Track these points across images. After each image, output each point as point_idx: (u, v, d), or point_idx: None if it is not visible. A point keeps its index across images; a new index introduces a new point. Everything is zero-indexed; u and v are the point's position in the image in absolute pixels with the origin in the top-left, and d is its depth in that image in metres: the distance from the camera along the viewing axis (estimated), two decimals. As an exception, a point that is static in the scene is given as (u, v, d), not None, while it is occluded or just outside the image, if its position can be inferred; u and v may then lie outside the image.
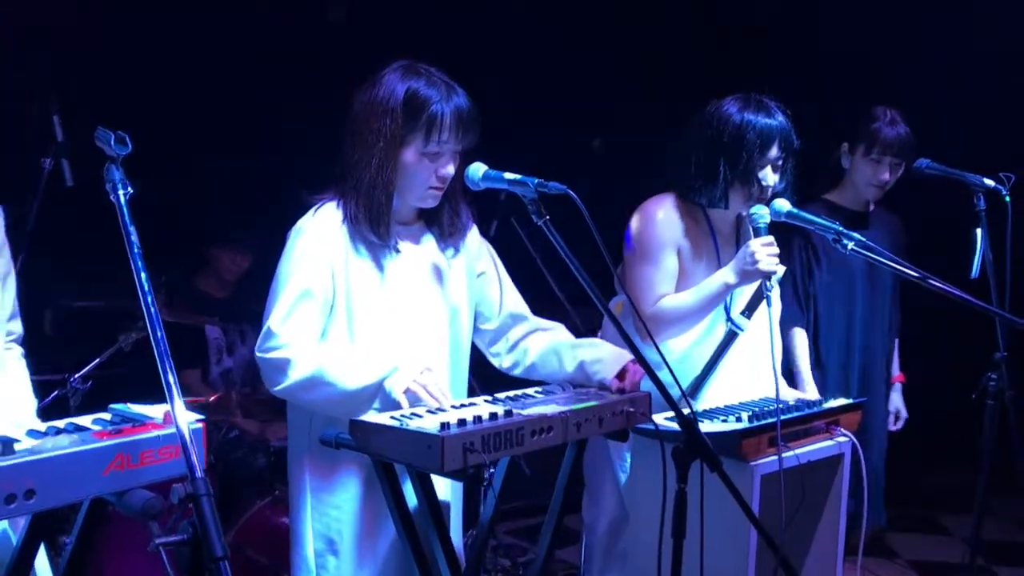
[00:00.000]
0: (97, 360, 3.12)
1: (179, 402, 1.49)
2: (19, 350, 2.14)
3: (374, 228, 2.25)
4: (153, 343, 1.53)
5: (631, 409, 2.24)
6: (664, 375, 2.12)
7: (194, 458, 1.42)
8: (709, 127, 2.72)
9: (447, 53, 2.41)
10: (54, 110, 2.85)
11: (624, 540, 2.84)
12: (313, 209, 2.29)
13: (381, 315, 2.28)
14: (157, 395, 3.88)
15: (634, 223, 2.80)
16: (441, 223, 2.39)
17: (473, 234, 2.48)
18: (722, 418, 2.50)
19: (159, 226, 4.17)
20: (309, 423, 2.28)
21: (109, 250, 4.09)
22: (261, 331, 2.20)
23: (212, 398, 3.55)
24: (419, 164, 2.25)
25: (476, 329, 2.51)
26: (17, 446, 1.53)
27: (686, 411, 2.09)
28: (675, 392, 2.11)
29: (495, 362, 2.55)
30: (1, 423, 1.85)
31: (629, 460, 2.80)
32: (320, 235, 2.25)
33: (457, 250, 2.42)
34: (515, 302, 2.53)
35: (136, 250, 1.60)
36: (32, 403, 2.08)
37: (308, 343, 2.20)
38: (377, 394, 2.15)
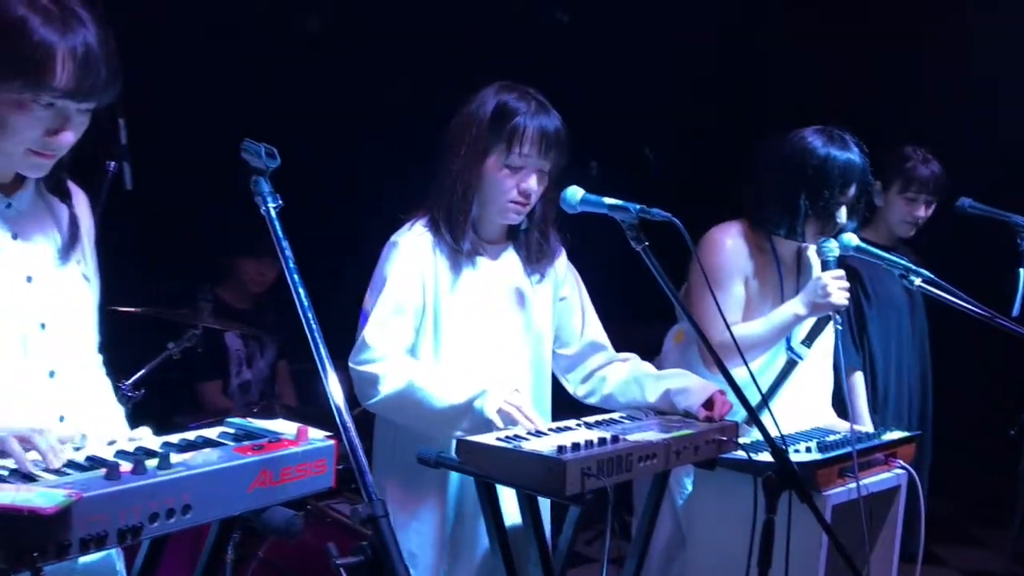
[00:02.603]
0: (147, 367, 3.07)
1: (348, 419, 1.47)
2: (101, 357, 2.11)
3: (452, 233, 2.29)
4: (317, 360, 1.51)
5: (722, 438, 2.27)
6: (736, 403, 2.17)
7: (369, 478, 1.41)
8: (791, 159, 2.76)
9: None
10: (120, 113, 2.80)
11: (679, 564, 2.86)
12: (408, 224, 2.32)
13: (465, 332, 2.31)
14: (187, 408, 3.81)
15: (703, 250, 2.84)
16: (528, 246, 2.42)
17: (561, 260, 2.51)
18: (792, 448, 2.54)
19: (182, 233, 4.16)
20: (394, 438, 2.29)
21: (160, 256, 4.06)
22: (355, 343, 2.21)
23: (255, 410, 3.49)
24: (500, 175, 2.28)
25: (553, 353, 2.53)
26: (171, 459, 1.50)
27: (777, 440, 2.13)
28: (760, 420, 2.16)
29: (569, 388, 2.58)
30: (102, 432, 1.83)
31: (688, 484, 2.82)
32: (413, 250, 2.28)
33: (543, 275, 2.44)
34: (596, 331, 2.55)
35: (291, 264, 1.59)
36: (122, 413, 2.04)
37: (400, 358, 2.22)
38: (467, 413, 2.16)
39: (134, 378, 3.00)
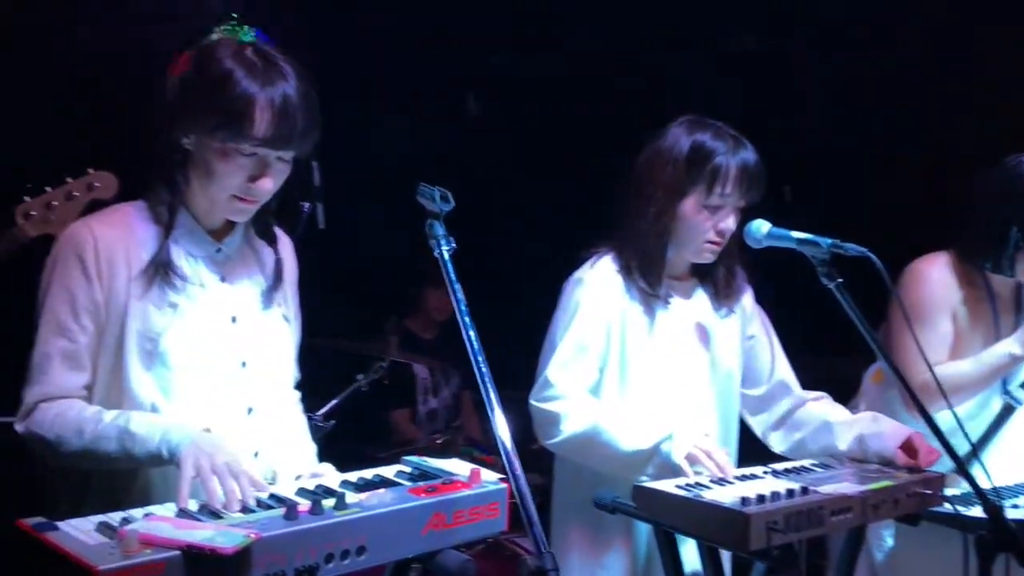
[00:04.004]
0: (338, 398, 3.18)
1: (517, 464, 1.44)
2: (298, 395, 2.18)
3: (646, 278, 2.23)
4: (486, 401, 1.49)
5: (926, 491, 2.07)
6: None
7: (538, 529, 1.38)
8: (1004, 185, 2.52)
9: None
10: (314, 156, 2.93)
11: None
12: (591, 261, 2.28)
13: (652, 372, 2.23)
14: (377, 436, 3.92)
15: (906, 284, 2.63)
16: (716, 282, 2.33)
17: (748, 297, 2.40)
18: (1010, 503, 2.29)
19: (370, 265, 4.33)
20: (577, 479, 2.24)
21: (346, 291, 4.23)
22: (537, 380, 2.19)
23: (439, 440, 3.55)
24: (698, 216, 2.20)
25: (740, 394, 2.41)
26: (346, 500, 1.52)
27: (991, 496, 1.93)
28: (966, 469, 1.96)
29: (757, 431, 2.45)
30: (291, 470, 1.89)
31: (888, 538, 2.61)
32: (597, 288, 2.23)
33: (730, 311, 2.34)
34: (785, 371, 2.42)
35: (463, 306, 1.59)
36: (313, 450, 2.10)
37: (583, 397, 2.18)
38: (653, 457, 2.09)
39: (324, 409, 3.11)
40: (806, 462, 2.21)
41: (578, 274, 2.28)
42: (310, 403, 3.14)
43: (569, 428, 2.14)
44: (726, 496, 1.85)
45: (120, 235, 1.77)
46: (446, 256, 1.65)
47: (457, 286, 1.62)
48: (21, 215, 2.33)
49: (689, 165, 2.18)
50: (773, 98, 4.62)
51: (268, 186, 1.78)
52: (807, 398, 2.41)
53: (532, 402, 2.20)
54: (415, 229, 1.75)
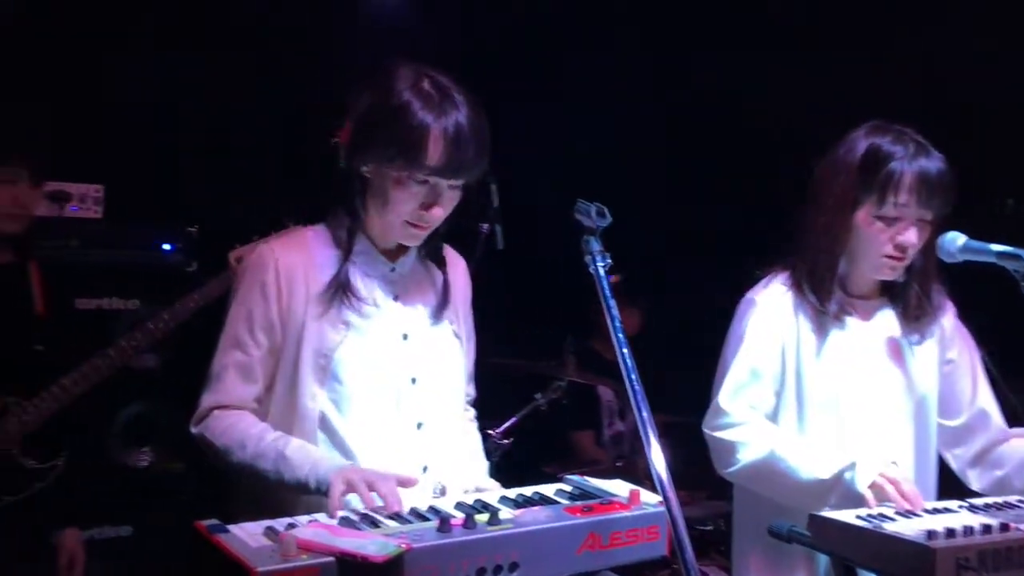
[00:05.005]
0: (516, 417, 3.22)
1: (671, 492, 1.40)
2: (472, 412, 2.21)
3: (816, 294, 2.10)
4: (640, 425, 1.46)
5: None
6: None
7: (689, 555, 1.32)
8: None
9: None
10: (492, 180, 3.01)
11: None
12: (766, 280, 2.18)
13: (833, 398, 2.10)
14: (559, 456, 3.92)
15: None
16: (906, 302, 2.15)
17: (948, 318, 2.20)
18: None
19: (550, 285, 4.35)
20: (757, 506, 2.14)
21: (529, 307, 4.28)
22: (709, 406, 2.12)
23: (620, 463, 3.51)
24: (872, 228, 2.06)
25: (937, 425, 2.22)
26: (500, 515, 1.53)
27: None
28: None
29: (954, 466, 2.24)
30: (460, 485, 1.92)
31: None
32: (770, 309, 2.13)
33: (925, 335, 2.16)
34: (988, 401, 2.21)
35: (617, 323, 1.57)
36: (485, 467, 2.12)
37: (759, 424, 2.08)
38: (835, 487, 1.96)
39: (503, 427, 3.15)
40: (1012, 498, 2.01)
41: (750, 294, 2.18)
42: (489, 421, 3.21)
43: (746, 457, 2.05)
44: (910, 528, 1.71)
45: (300, 257, 1.88)
46: (601, 272, 1.63)
47: (612, 302, 1.59)
48: (234, 259, 2.61)
49: (862, 172, 2.04)
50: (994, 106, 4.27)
51: (439, 213, 1.84)
52: (1014, 433, 2.19)
53: (705, 430, 2.12)
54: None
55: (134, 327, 2.62)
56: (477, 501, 1.66)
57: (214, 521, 1.45)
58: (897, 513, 1.84)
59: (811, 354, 2.11)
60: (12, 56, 3.33)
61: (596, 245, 1.66)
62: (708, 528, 3.43)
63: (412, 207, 1.82)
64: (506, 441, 3.06)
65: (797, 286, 2.12)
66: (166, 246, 3.43)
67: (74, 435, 2.55)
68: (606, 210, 1.67)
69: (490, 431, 3.09)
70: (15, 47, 3.36)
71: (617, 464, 3.51)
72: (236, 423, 1.80)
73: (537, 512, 1.58)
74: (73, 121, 3.34)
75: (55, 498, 2.51)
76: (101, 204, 3.36)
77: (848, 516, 1.81)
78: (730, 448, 2.06)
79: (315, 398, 1.82)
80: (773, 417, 2.11)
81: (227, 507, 1.79)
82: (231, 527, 1.44)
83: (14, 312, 2.52)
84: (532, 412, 3.30)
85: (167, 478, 3.41)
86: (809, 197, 2.13)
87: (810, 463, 1.98)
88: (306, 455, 1.74)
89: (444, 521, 1.47)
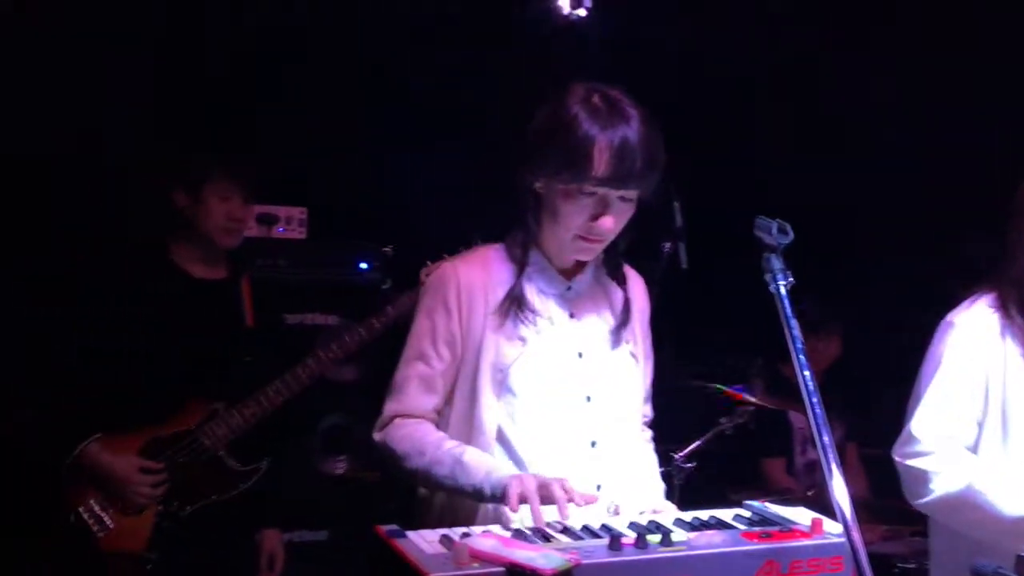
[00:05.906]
0: (700, 440, 3.15)
1: (854, 526, 1.33)
2: (650, 433, 2.19)
3: None
4: (821, 453, 1.39)
5: None
6: None
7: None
8: None
9: None
10: (675, 198, 2.97)
11: None
12: (969, 301, 2.05)
13: None
14: (746, 482, 3.80)
15: None
16: None
17: None
18: None
19: (739, 307, 4.21)
20: (954, 542, 2.00)
21: (714, 332, 4.18)
22: (901, 433, 2.00)
23: (810, 493, 3.36)
24: None
25: None
26: (672, 537, 1.50)
27: None
28: None
29: None
30: (634, 506, 1.90)
31: None
32: (974, 332, 1.99)
33: None
34: None
35: (799, 344, 1.50)
36: (661, 488, 2.09)
37: (956, 454, 1.94)
38: None
39: (687, 450, 3.09)
40: None
41: (950, 316, 2.05)
42: (674, 444, 3.15)
43: (940, 488, 1.92)
44: None
45: (480, 274, 1.93)
46: (782, 291, 1.57)
47: (793, 322, 1.53)
48: (425, 276, 2.68)
49: None
50: None
51: (609, 225, 1.83)
52: None
53: (896, 458, 2.01)
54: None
55: (331, 340, 2.76)
56: (651, 521, 1.64)
57: (393, 527, 1.51)
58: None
59: (1019, 381, 1.95)
60: (229, 89, 3.61)
61: (777, 263, 1.61)
62: (911, 566, 3.22)
63: (582, 220, 1.83)
64: (689, 465, 2.99)
65: (1004, 308, 1.98)
66: (363, 264, 3.61)
67: (276, 441, 2.72)
68: (788, 227, 1.61)
69: (673, 453, 3.03)
70: (233, 78, 3.63)
71: (808, 493, 3.35)
72: (415, 431, 1.87)
73: (712, 536, 1.54)
74: (280, 147, 3.57)
75: (258, 499, 2.68)
76: (305, 225, 3.58)
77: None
78: (922, 477, 1.94)
79: (492, 410, 1.86)
80: (974, 449, 1.97)
81: (413, 517, 1.86)
82: (409, 533, 1.49)
83: (228, 324, 2.73)
84: (717, 436, 3.21)
85: (362, 486, 3.57)
86: (1014, 216, 1.98)
87: (1012, 498, 1.83)
88: (482, 462, 1.78)
89: (615, 539, 1.46)
